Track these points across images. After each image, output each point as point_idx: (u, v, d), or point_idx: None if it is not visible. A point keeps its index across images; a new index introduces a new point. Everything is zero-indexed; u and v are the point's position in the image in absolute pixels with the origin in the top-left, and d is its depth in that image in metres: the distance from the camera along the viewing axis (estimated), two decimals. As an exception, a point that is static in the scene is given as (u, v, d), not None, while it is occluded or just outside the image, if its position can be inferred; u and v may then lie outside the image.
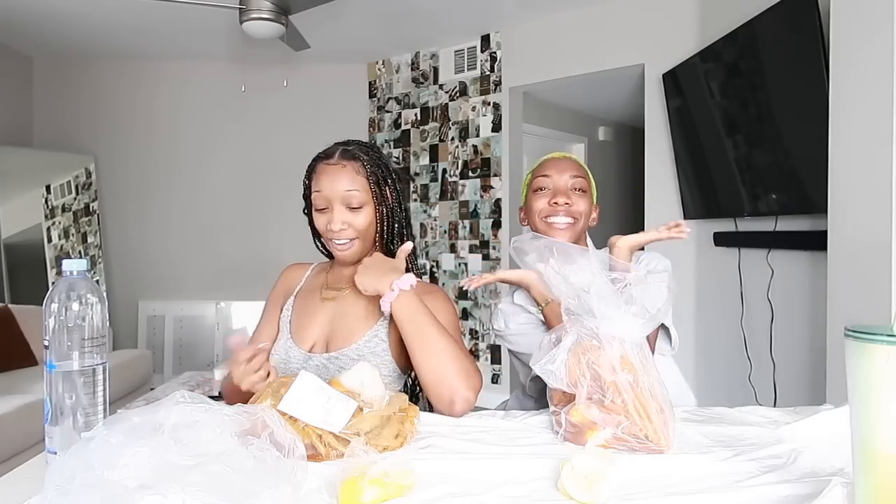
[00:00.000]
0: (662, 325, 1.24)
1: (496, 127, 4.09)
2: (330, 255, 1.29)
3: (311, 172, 1.19)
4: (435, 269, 4.42)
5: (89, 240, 4.34)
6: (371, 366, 0.93)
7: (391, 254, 1.21)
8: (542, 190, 1.28)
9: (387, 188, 1.19)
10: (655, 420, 0.83)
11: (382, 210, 1.19)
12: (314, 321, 1.19)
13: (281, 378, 0.95)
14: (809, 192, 2.28)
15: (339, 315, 1.19)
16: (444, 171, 4.37)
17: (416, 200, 4.53)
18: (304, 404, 0.80)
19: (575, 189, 1.26)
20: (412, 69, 4.51)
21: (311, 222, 1.23)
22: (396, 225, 1.21)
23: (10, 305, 3.35)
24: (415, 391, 1.20)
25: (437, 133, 4.40)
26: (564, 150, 5.26)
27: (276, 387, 0.86)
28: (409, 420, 0.89)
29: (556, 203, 1.25)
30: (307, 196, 1.21)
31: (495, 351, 4.14)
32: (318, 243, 1.28)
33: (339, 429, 0.79)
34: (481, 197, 4.18)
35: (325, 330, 1.18)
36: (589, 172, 1.34)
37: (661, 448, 0.83)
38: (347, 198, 1.14)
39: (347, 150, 1.17)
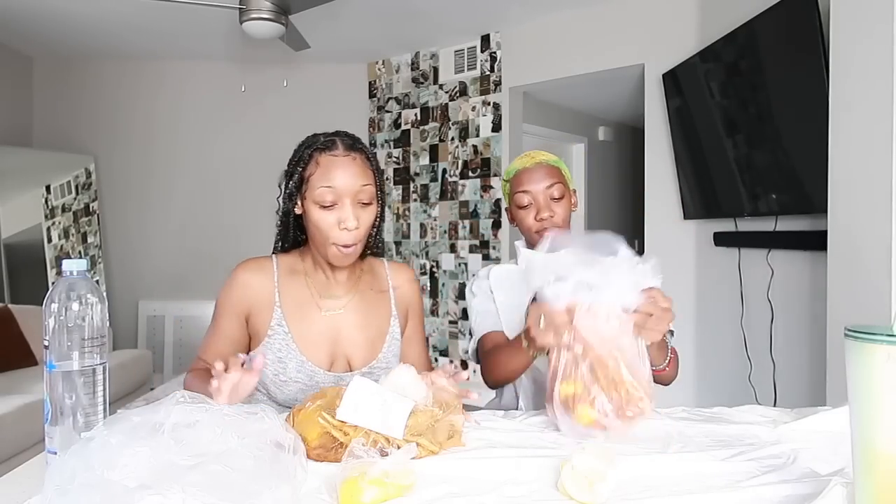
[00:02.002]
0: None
1: (496, 127, 4.09)
2: (289, 249, 1.19)
3: (307, 163, 1.07)
4: (435, 269, 4.42)
5: (89, 240, 4.34)
6: (410, 366, 0.91)
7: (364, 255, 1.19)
8: (525, 206, 1.35)
9: (382, 183, 1.14)
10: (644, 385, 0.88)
11: (381, 206, 1.13)
12: (323, 338, 1.11)
13: (330, 387, 0.92)
14: (809, 192, 2.28)
15: (350, 327, 1.14)
16: (444, 171, 4.37)
17: (416, 200, 4.53)
18: (361, 410, 0.79)
19: (553, 198, 1.33)
20: (412, 69, 4.51)
21: (289, 218, 1.13)
22: (381, 223, 1.16)
23: (10, 305, 3.35)
24: None
25: (437, 133, 4.40)
26: (564, 150, 5.27)
27: (330, 397, 0.85)
28: (455, 413, 0.88)
29: (541, 219, 1.33)
30: (297, 190, 1.08)
31: (495, 351, 4.13)
32: (284, 240, 1.17)
33: (400, 433, 0.79)
34: (481, 197, 4.18)
35: (340, 346, 1.12)
36: (559, 163, 1.38)
37: (644, 409, 0.87)
38: (360, 193, 1.06)
39: (346, 141, 1.08)
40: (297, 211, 1.11)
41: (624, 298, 0.91)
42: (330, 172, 1.04)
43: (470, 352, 1.39)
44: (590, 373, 0.89)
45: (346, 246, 1.06)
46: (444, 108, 4.35)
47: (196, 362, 1.15)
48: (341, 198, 1.05)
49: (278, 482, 0.63)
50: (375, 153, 1.14)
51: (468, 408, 1.04)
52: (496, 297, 1.38)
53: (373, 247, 1.18)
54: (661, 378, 1.19)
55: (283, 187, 1.12)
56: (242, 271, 1.14)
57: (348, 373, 1.11)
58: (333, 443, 0.80)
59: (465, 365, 4.26)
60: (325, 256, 1.10)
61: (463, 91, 4.25)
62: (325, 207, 1.05)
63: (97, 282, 2.73)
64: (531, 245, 1.39)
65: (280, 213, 1.15)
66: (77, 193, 4.31)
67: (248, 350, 1.14)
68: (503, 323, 1.36)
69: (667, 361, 1.17)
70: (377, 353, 1.15)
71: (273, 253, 1.20)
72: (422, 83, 4.46)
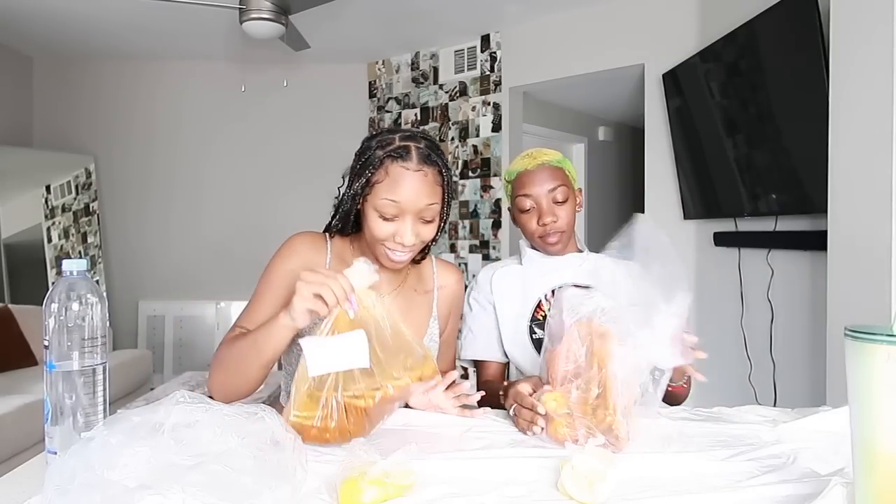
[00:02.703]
0: None
1: (496, 127, 4.09)
2: (337, 233, 1.15)
3: (376, 168, 1.01)
4: (435, 269, 4.42)
5: (89, 240, 4.34)
6: (366, 261, 0.91)
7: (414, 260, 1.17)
8: (527, 210, 1.31)
9: (451, 194, 1.08)
10: (623, 418, 0.85)
11: (444, 221, 1.08)
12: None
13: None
14: (809, 192, 2.28)
15: None
16: (444, 171, 4.36)
17: (416, 200, 4.53)
18: (325, 360, 0.82)
19: (556, 201, 1.29)
20: (412, 69, 4.51)
21: (350, 217, 1.08)
22: (439, 236, 1.11)
23: (10, 305, 3.35)
24: None
25: (437, 133, 4.40)
26: (564, 150, 5.27)
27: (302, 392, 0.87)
28: (427, 369, 0.89)
29: (544, 224, 1.29)
30: (361, 190, 1.03)
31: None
32: (340, 231, 1.13)
33: (366, 362, 0.82)
34: (481, 197, 4.18)
35: None
36: (563, 162, 1.33)
37: (619, 446, 0.84)
38: (424, 211, 1.02)
39: (422, 152, 1.02)
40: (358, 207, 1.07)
41: (660, 357, 0.90)
42: (397, 185, 0.99)
43: (457, 361, 1.37)
44: (579, 397, 0.88)
45: (400, 257, 1.05)
46: (444, 108, 4.35)
47: (233, 331, 1.07)
48: (403, 213, 1.01)
49: (278, 482, 0.63)
50: (448, 164, 1.07)
51: (468, 407, 1.04)
52: (497, 306, 1.35)
53: (424, 254, 1.18)
54: (677, 395, 1.16)
55: (346, 180, 1.07)
56: (302, 242, 1.11)
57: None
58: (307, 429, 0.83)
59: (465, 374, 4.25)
60: (375, 255, 1.08)
61: (463, 91, 4.25)
62: (385, 219, 1.02)
63: (97, 282, 2.73)
64: (534, 247, 1.38)
65: (341, 210, 1.09)
66: (77, 193, 4.31)
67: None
68: (504, 332, 1.33)
69: (685, 379, 1.14)
70: None
71: (325, 232, 1.16)
72: (422, 83, 4.46)
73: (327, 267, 1.11)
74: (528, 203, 1.31)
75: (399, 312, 1.10)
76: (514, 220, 1.38)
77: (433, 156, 1.03)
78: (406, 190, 0.99)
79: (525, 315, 1.32)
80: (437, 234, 1.08)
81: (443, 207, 1.06)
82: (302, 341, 0.84)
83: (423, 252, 1.16)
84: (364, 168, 1.02)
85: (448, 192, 1.06)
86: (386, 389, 0.84)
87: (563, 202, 1.29)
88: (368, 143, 1.05)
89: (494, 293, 1.36)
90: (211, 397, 0.96)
